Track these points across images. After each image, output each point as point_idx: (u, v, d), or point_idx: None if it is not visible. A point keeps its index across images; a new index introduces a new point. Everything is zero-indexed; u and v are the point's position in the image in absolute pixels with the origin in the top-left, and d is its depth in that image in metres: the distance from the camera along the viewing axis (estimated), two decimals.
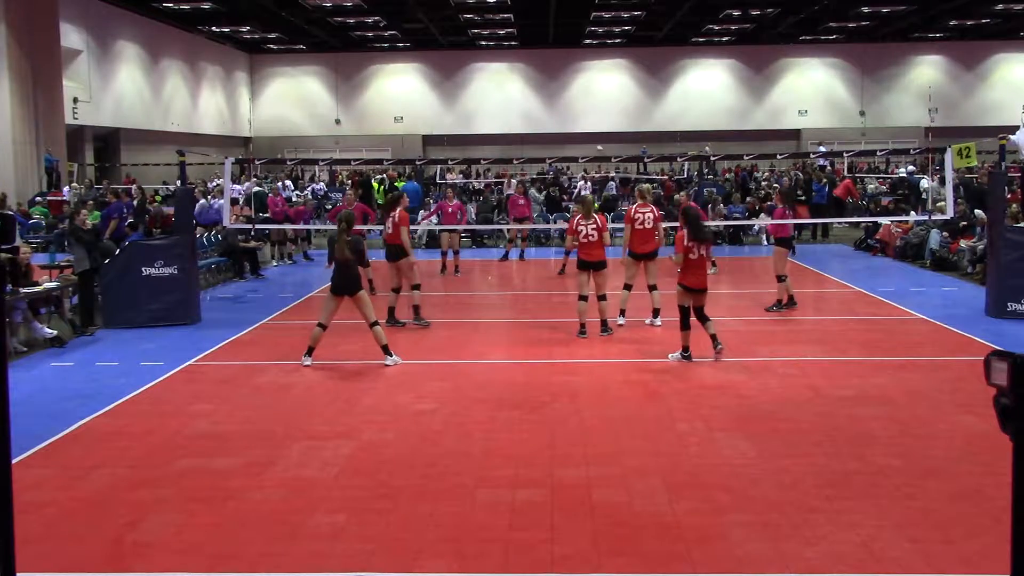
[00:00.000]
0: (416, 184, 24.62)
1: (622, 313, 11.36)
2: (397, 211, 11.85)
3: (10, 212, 17.72)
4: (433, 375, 9.21)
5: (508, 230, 20.00)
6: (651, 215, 11.22)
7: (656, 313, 11.34)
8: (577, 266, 11.02)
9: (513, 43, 42.25)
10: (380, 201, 25.43)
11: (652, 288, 11.32)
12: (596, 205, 11.99)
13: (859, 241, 20.24)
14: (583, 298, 10.81)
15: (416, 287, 11.72)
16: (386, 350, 9.53)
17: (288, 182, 27.91)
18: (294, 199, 23.95)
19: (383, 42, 42.36)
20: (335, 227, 15.21)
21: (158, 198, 23.82)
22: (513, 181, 25.99)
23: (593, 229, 10.66)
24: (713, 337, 9.49)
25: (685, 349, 9.48)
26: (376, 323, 9.54)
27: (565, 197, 24.60)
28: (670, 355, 9.58)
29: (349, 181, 31.40)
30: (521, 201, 19.34)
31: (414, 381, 8.95)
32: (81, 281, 11.95)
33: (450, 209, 16.87)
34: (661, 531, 5.26)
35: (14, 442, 2.51)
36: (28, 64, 25.17)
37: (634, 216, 11.21)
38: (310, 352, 9.59)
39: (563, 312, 12.75)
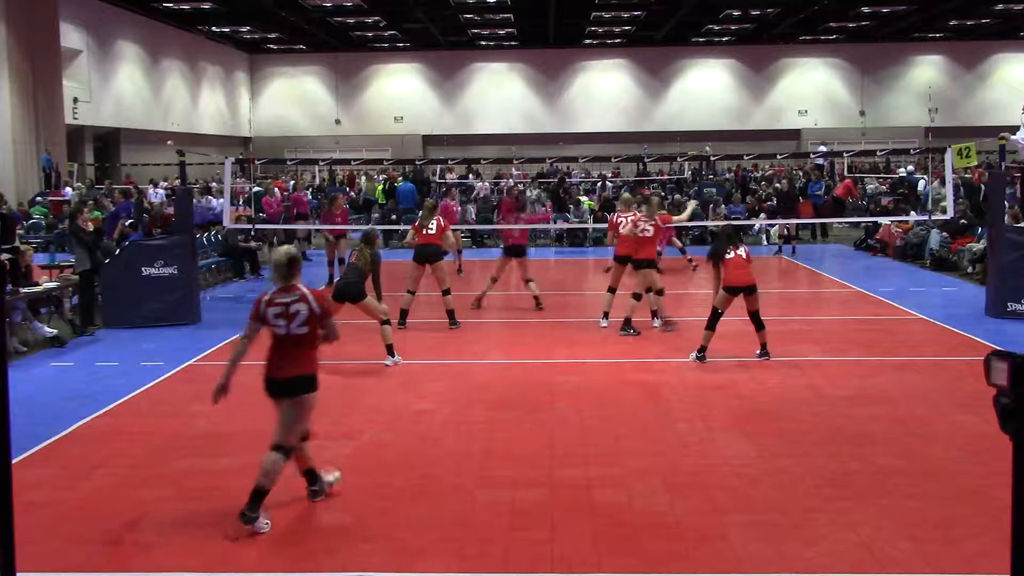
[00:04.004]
0: (411, 184, 24.62)
1: (605, 316, 11.37)
2: (440, 216, 12.01)
3: (9, 211, 17.65)
4: (433, 375, 9.21)
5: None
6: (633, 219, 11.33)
7: (655, 315, 11.34)
8: (632, 265, 11.12)
9: (513, 43, 42.24)
10: (380, 201, 25.50)
11: (648, 291, 11.33)
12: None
13: (859, 241, 20.23)
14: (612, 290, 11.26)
15: (447, 292, 11.69)
16: (390, 350, 9.55)
17: (290, 183, 27.99)
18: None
19: (383, 42, 42.35)
20: (333, 227, 15.16)
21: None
22: (510, 183, 26.22)
23: (651, 225, 10.94)
24: (763, 346, 9.51)
25: (701, 349, 9.46)
26: (387, 321, 9.60)
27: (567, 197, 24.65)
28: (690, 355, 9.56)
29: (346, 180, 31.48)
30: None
31: (414, 381, 8.95)
32: (81, 281, 11.94)
33: (456, 209, 17.01)
34: (661, 531, 5.26)
35: (14, 442, 2.52)
36: (28, 64, 25.18)
37: (617, 221, 11.33)
38: None
39: (563, 312, 12.75)
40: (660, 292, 11.05)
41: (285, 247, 5.82)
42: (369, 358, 9.71)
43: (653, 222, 10.95)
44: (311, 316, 5.45)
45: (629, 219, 11.35)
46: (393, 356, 9.56)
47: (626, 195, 12.47)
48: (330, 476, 5.93)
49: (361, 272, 9.57)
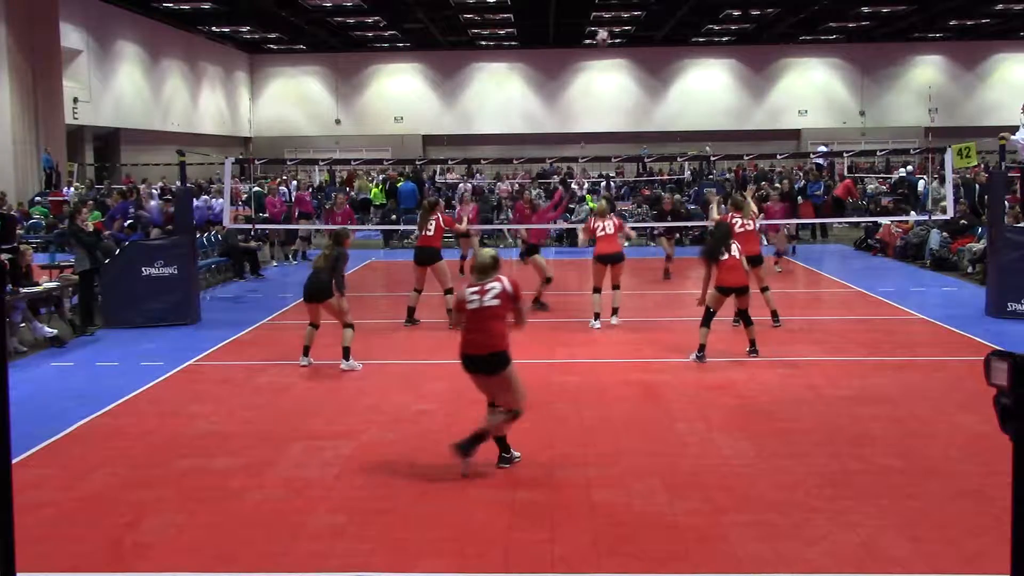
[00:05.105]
0: (412, 184, 24.63)
1: (596, 316, 11.49)
2: (439, 215, 11.89)
3: (12, 213, 17.73)
4: (433, 375, 9.20)
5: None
6: (611, 223, 11.61)
7: (615, 312, 11.51)
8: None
9: (513, 43, 42.22)
10: (376, 201, 25.51)
11: (615, 287, 11.57)
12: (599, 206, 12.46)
13: (859, 241, 20.23)
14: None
15: (449, 291, 11.68)
16: (347, 354, 9.37)
17: (294, 183, 28.02)
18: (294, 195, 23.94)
19: (383, 42, 42.33)
20: (334, 226, 15.16)
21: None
22: (501, 184, 26.05)
23: (749, 220, 11.31)
24: (752, 342, 9.62)
25: (700, 348, 9.50)
26: (349, 325, 9.40)
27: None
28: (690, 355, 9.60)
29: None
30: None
31: (414, 381, 8.95)
32: (81, 281, 11.95)
33: (469, 214, 16.99)
34: (661, 531, 5.26)
35: (14, 442, 2.52)
36: (28, 64, 25.15)
37: (594, 227, 11.59)
38: (307, 352, 9.57)
39: (563, 312, 12.74)
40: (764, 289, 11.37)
41: (489, 250, 6.57)
42: (367, 358, 9.71)
43: (751, 217, 11.42)
44: (503, 292, 6.14)
45: (609, 224, 11.49)
46: (350, 361, 9.36)
47: (602, 204, 12.39)
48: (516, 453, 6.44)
49: (328, 269, 9.34)
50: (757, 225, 11.95)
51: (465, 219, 15.06)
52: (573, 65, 44.41)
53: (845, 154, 30.16)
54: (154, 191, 24.44)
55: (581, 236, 11.95)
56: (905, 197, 24.59)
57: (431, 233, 11.69)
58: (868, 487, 5.88)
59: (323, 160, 30.14)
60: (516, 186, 28.17)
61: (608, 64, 44.42)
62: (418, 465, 6.45)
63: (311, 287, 9.36)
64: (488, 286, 6.17)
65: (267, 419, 7.71)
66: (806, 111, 44.27)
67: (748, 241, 11.30)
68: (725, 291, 9.49)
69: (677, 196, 24.16)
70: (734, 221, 11.35)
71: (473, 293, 6.19)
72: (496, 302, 6.12)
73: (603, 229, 11.52)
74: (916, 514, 5.45)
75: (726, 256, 9.46)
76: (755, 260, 11.30)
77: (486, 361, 6.13)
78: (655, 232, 18.21)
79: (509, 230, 20.88)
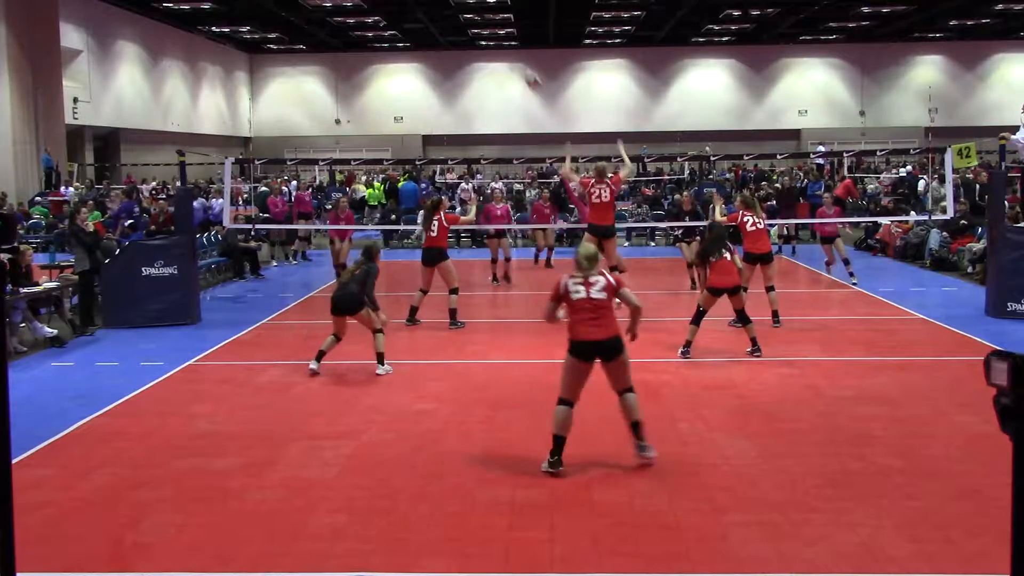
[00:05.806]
0: (413, 184, 24.61)
1: None
2: (442, 214, 11.84)
3: (10, 210, 17.69)
4: (433, 375, 9.21)
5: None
6: (607, 190, 11.61)
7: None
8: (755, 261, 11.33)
9: (513, 43, 42.22)
10: (374, 203, 25.50)
11: (612, 269, 11.49)
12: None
13: (859, 241, 20.22)
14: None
15: (454, 291, 11.69)
16: (380, 359, 9.26)
17: (294, 183, 28.03)
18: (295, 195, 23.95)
19: (383, 42, 42.35)
20: (335, 227, 15.10)
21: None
22: (495, 185, 25.78)
23: (759, 218, 11.51)
24: (753, 340, 9.67)
25: (686, 344, 9.66)
26: (379, 331, 9.30)
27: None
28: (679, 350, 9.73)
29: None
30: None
31: (414, 381, 8.95)
32: (81, 281, 11.95)
33: (498, 212, 16.85)
34: (661, 531, 5.26)
35: (14, 442, 2.52)
36: (28, 64, 25.17)
37: (591, 190, 11.68)
38: (320, 357, 9.27)
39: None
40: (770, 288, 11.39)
41: (592, 245, 6.74)
42: (369, 359, 9.69)
43: (761, 215, 11.67)
44: (608, 285, 6.35)
45: (605, 190, 11.59)
46: (384, 365, 9.27)
47: (600, 165, 11.99)
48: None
49: (358, 282, 9.20)
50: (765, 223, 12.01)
51: (473, 210, 14.63)
52: (573, 65, 44.41)
53: (845, 154, 30.16)
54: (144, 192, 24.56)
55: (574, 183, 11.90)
56: (905, 197, 24.57)
57: (435, 234, 11.69)
58: (868, 487, 5.88)
59: (323, 160, 30.13)
60: (514, 187, 28.15)
61: (608, 64, 44.45)
62: (418, 465, 6.45)
63: (342, 300, 9.15)
64: (592, 279, 6.33)
65: (267, 419, 7.71)
66: (806, 111, 44.28)
67: (759, 239, 11.39)
68: (717, 292, 9.61)
69: (677, 196, 24.15)
70: (745, 220, 11.39)
71: (577, 284, 6.31)
72: (603, 295, 6.30)
73: (599, 196, 11.53)
74: (916, 514, 5.45)
75: (716, 259, 9.52)
76: (766, 258, 11.35)
77: (607, 346, 6.29)
78: (674, 233, 17.99)
79: (510, 230, 20.79)
